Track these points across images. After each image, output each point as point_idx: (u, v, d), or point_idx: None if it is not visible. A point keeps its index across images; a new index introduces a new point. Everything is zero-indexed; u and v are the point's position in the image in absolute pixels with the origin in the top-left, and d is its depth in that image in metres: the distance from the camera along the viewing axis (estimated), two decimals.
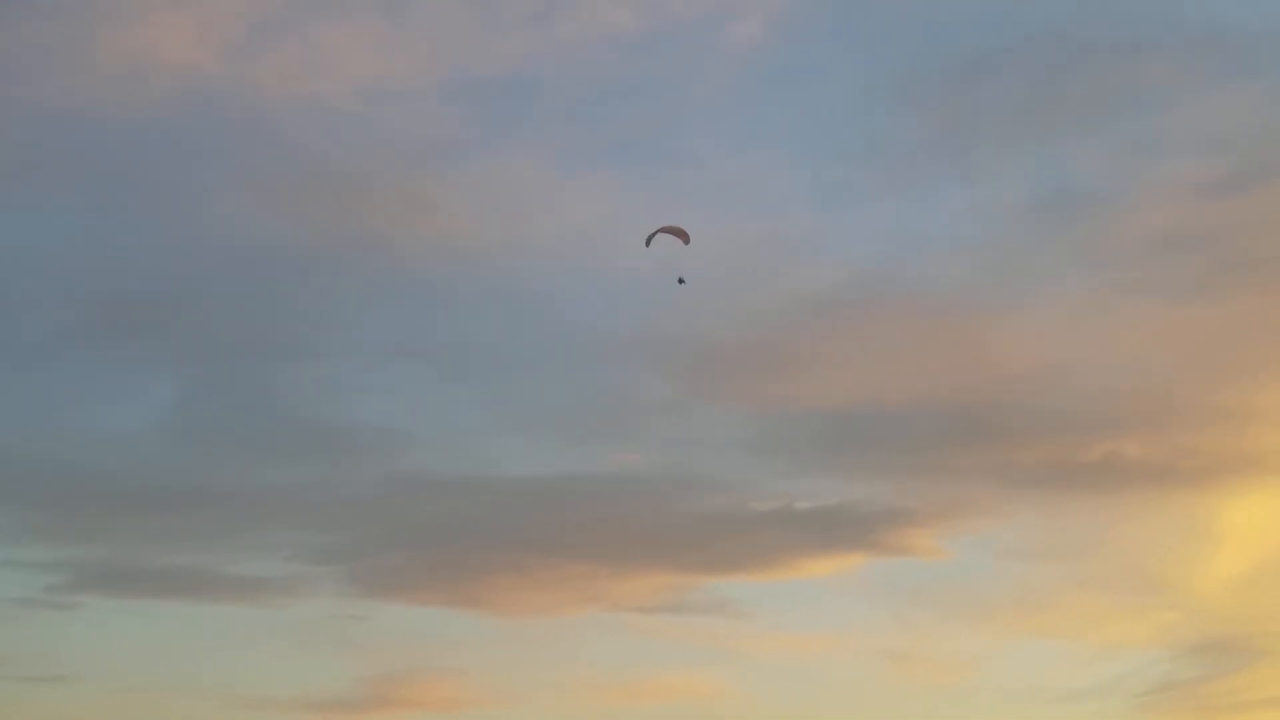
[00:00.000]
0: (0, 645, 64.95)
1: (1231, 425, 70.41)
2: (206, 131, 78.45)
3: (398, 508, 71.17)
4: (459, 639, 69.02)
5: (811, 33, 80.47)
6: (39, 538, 68.36)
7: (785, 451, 72.86)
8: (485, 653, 68.29)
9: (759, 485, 72.24)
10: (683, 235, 51.41)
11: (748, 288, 75.72)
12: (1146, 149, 75.16)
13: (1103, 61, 75.71)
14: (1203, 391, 71.55)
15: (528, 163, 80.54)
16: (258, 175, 78.24)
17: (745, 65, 79.68)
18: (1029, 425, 71.39)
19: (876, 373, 73.96)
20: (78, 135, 77.37)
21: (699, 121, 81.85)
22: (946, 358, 73.94)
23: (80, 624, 67.19)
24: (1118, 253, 73.84)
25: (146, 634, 67.90)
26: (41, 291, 75.85)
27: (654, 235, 51.52)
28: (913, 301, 74.82)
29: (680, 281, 54.01)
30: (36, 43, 75.51)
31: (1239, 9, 75.54)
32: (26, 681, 63.81)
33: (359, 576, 69.66)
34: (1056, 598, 69.46)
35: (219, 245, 77.44)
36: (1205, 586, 68.63)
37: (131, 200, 78.18)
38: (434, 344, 77.36)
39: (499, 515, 71.10)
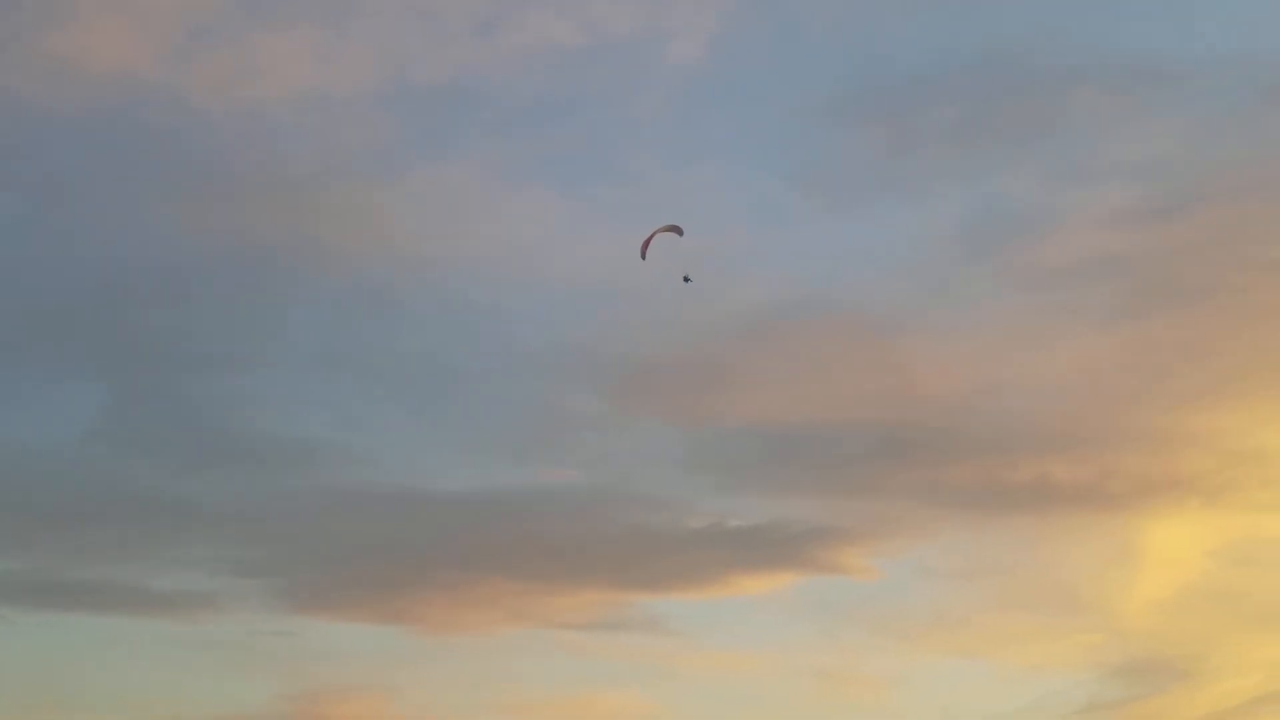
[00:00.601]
0: None
1: (1157, 448, 71.67)
2: (138, 136, 77.77)
3: (326, 522, 70.57)
4: (387, 656, 68.27)
5: (750, 52, 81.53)
6: None
7: (719, 469, 73.08)
8: (414, 670, 67.57)
9: (692, 503, 72.35)
10: (674, 230, 51.25)
11: (683, 304, 75.62)
12: (1076, 175, 76.89)
13: (1035, 88, 77.06)
14: (1129, 414, 72.65)
15: (466, 174, 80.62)
16: (191, 182, 77.55)
17: (684, 82, 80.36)
18: (959, 445, 72.22)
19: (810, 391, 74.45)
20: (3, 137, 76.36)
21: (638, 137, 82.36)
22: (879, 377, 74.52)
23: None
24: (1047, 276, 74.89)
25: (67, 648, 66.67)
26: None
27: (647, 244, 51.38)
28: (846, 321, 75.49)
29: (686, 280, 53.60)
30: None
31: (1168, 40, 77.57)
32: None
33: (286, 591, 69.04)
34: (984, 618, 69.98)
35: (150, 252, 76.68)
36: (1130, 608, 69.43)
37: (60, 205, 77.20)
38: (368, 355, 77.15)
39: (430, 530, 70.79)
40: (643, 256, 52.06)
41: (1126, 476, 70.98)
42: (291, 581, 69.35)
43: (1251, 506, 69.89)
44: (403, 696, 65.98)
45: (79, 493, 69.50)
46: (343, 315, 77.83)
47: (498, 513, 70.89)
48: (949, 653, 69.61)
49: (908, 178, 78.10)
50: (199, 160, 77.43)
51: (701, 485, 72.45)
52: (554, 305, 78.24)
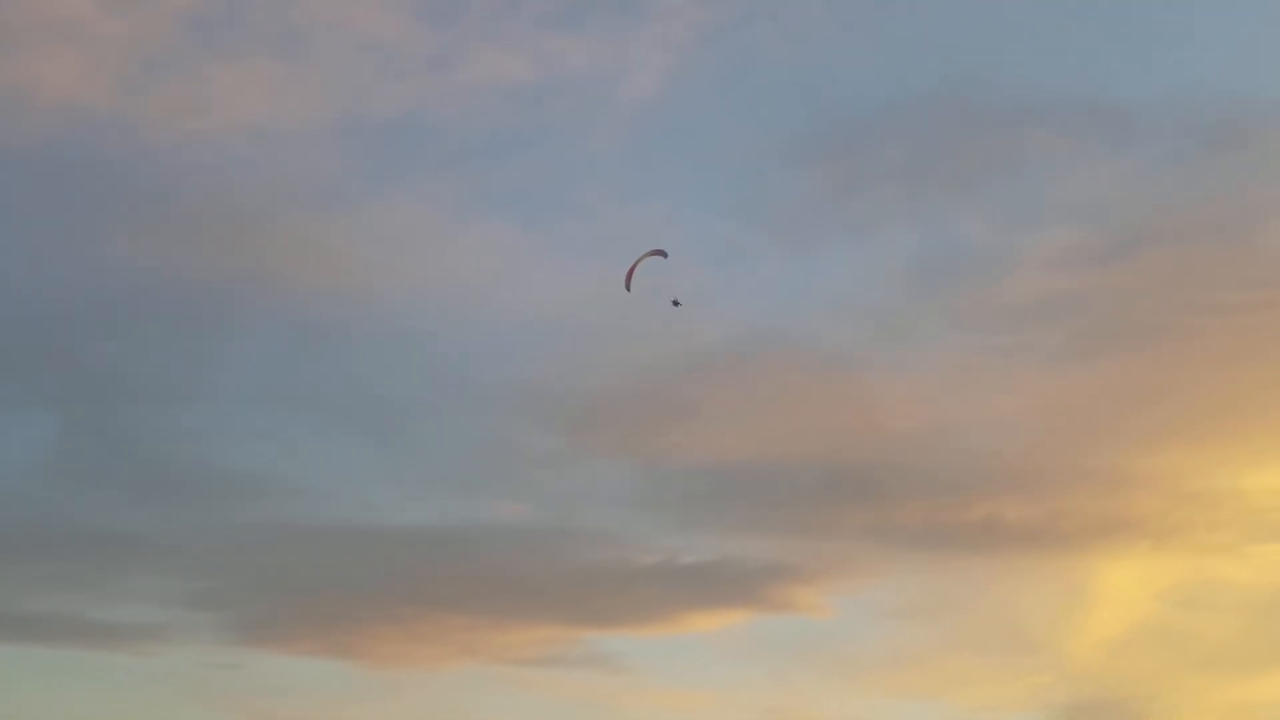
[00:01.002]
0: None
1: (1107, 489, 71.82)
2: (91, 166, 77.65)
3: (275, 555, 70.27)
4: (334, 690, 67.85)
5: (704, 90, 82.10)
6: None
7: (670, 506, 72.94)
8: (361, 704, 67.08)
9: (643, 539, 72.26)
10: (658, 254, 51.25)
11: (636, 340, 75.95)
12: (1026, 216, 77.34)
13: (986, 129, 77.81)
14: (1078, 455, 72.96)
15: (419, 208, 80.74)
16: (142, 214, 77.54)
17: (638, 120, 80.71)
18: (911, 485, 72.32)
19: (762, 429, 74.47)
20: None
21: (592, 172, 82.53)
22: (831, 416, 74.78)
23: None
24: (997, 316, 75.22)
25: (14, 679, 65.98)
26: None
27: (631, 273, 51.37)
28: (797, 359, 75.70)
29: (675, 304, 53.59)
30: None
31: (1118, 83, 78.18)
32: None
33: (235, 624, 68.56)
34: (936, 658, 69.95)
35: (99, 284, 76.40)
36: (1081, 649, 69.46)
37: (9, 236, 77.04)
38: (319, 389, 76.88)
39: (378, 564, 70.44)
40: (627, 287, 51.90)
41: (1077, 517, 71.35)
42: (241, 615, 69.10)
43: (1200, 548, 70.40)
44: None
45: (27, 525, 69.02)
46: (294, 348, 77.82)
47: (448, 547, 70.90)
48: (900, 693, 69.45)
49: (860, 217, 78.78)
50: (150, 192, 77.66)
51: (653, 522, 72.54)
52: (506, 340, 78.35)
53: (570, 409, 74.63)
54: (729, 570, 70.98)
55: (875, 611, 71.54)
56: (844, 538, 71.97)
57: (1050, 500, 71.93)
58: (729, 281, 79.86)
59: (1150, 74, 78.34)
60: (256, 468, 72.76)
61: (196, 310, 76.80)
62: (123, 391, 74.65)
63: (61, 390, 74.65)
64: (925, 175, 78.03)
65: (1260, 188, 73.43)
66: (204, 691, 66.03)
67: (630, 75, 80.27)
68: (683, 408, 75.32)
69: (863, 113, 78.02)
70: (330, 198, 79.16)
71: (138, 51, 75.96)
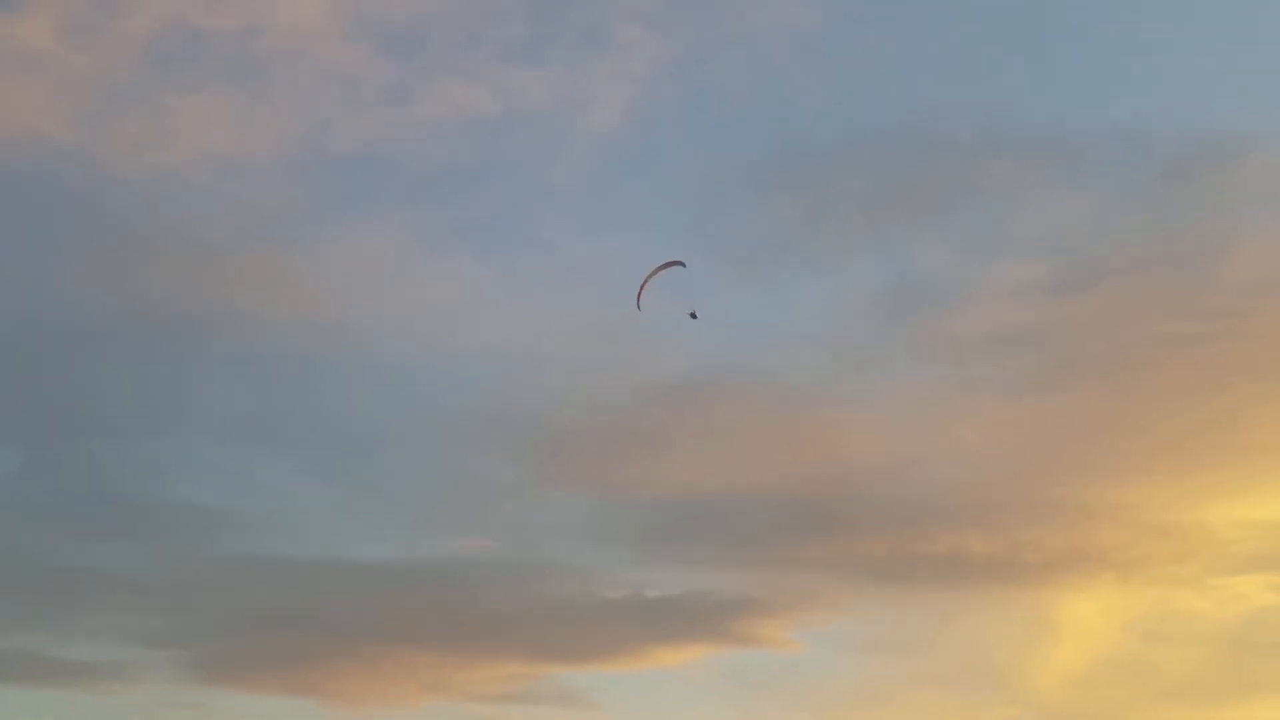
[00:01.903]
0: None
1: (1071, 522, 72.00)
2: (51, 200, 77.19)
3: (236, 591, 69.83)
4: None
5: (665, 123, 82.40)
6: None
7: (635, 539, 72.82)
8: None
9: (609, 573, 72.09)
10: (673, 265, 51.07)
11: (599, 373, 76.03)
12: (987, 247, 77.71)
13: (947, 161, 78.21)
14: (1043, 487, 73.14)
15: (381, 240, 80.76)
16: (104, 246, 77.17)
17: (599, 153, 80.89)
18: (876, 517, 72.38)
19: (726, 462, 74.36)
20: None
21: (553, 205, 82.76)
22: (795, 448, 74.76)
23: None
24: (958, 348, 75.53)
25: None
26: None
27: (641, 291, 51.23)
28: (761, 391, 75.83)
29: (693, 316, 53.97)
30: None
31: (1079, 116, 78.79)
32: None
33: (194, 662, 67.99)
34: (900, 691, 69.79)
35: (61, 316, 75.82)
36: (1045, 681, 69.48)
37: None
38: (281, 421, 76.59)
39: (343, 601, 70.09)
40: (638, 306, 51.85)
41: (1041, 549, 71.50)
42: (201, 652, 68.53)
43: (1165, 581, 70.81)
44: None
45: None
46: (256, 380, 77.39)
47: (412, 582, 70.66)
48: None
49: (821, 249, 79.06)
50: (112, 224, 77.32)
51: (618, 556, 72.39)
52: (469, 372, 78.03)
53: (534, 441, 74.67)
54: (694, 604, 71.04)
55: (840, 645, 71.69)
56: (809, 571, 72.15)
57: (1014, 533, 72.23)
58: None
59: (1108, 107, 79.18)
60: (217, 502, 72.61)
61: (158, 343, 76.66)
62: (84, 425, 74.46)
63: (22, 423, 74.28)
64: (886, 207, 78.53)
65: (1217, 220, 74.20)
66: None
67: (591, 108, 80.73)
68: (647, 440, 75.49)
69: (824, 145, 78.58)
70: (292, 229, 79.18)
71: (100, 83, 76.02)
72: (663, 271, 52.03)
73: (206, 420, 75.57)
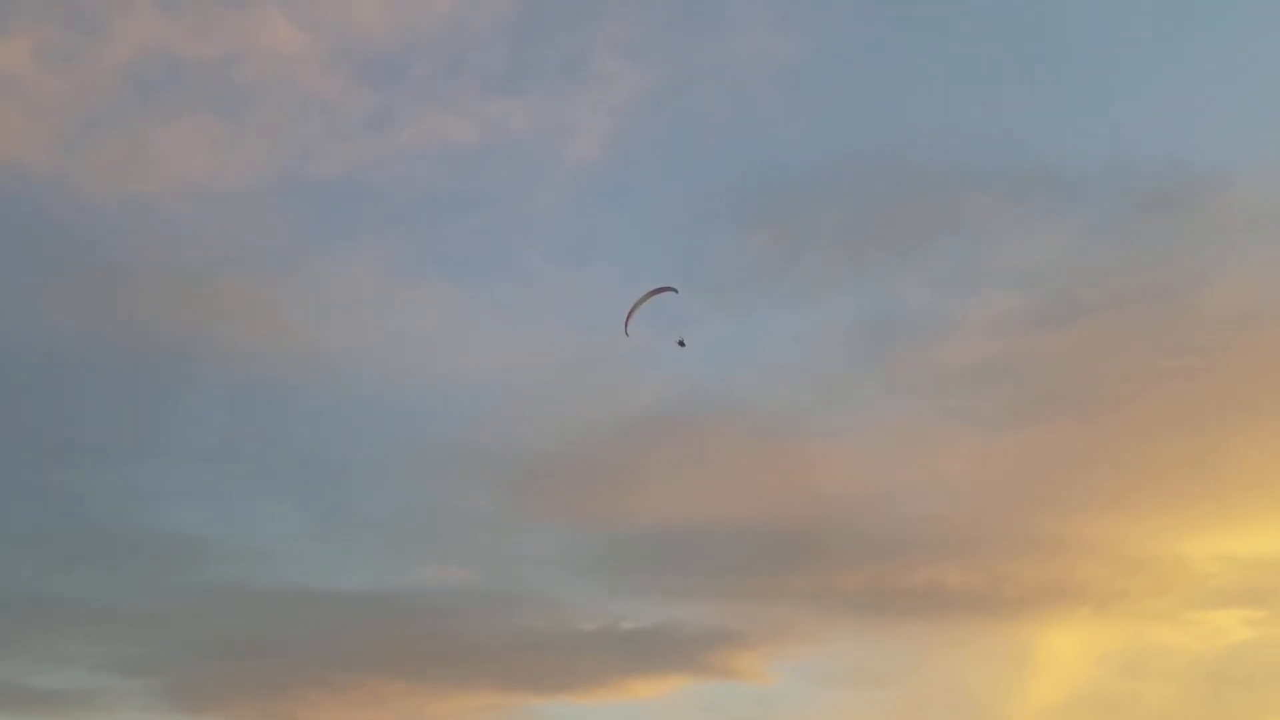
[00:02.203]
0: None
1: (1049, 555, 71.91)
2: (28, 226, 76.86)
3: (209, 619, 69.53)
4: None
5: (645, 154, 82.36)
6: None
7: (611, 571, 72.68)
8: None
9: (584, 604, 71.98)
10: (664, 290, 50.78)
11: (577, 403, 75.92)
12: (965, 280, 77.67)
13: (926, 193, 78.29)
14: (1021, 520, 72.96)
15: (361, 268, 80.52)
16: (82, 272, 76.96)
17: (579, 183, 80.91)
18: (853, 549, 72.28)
19: (704, 493, 74.31)
20: None
21: (533, 235, 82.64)
22: (772, 480, 74.62)
23: None
24: (937, 380, 75.48)
25: None
26: None
27: (630, 316, 50.91)
28: (739, 422, 75.75)
29: (680, 344, 53.98)
30: None
31: (1058, 149, 78.90)
32: None
33: (169, 691, 67.60)
34: None
35: (37, 342, 75.40)
36: (1022, 715, 69.15)
37: None
38: (258, 450, 76.29)
39: (318, 629, 69.82)
40: (626, 331, 51.66)
41: (1019, 583, 71.42)
42: (175, 681, 68.20)
43: (1142, 615, 70.67)
44: None
45: None
46: (233, 408, 77.16)
47: (388, 612, 70.39)
48: None
49: (801, 280, 78.98)
50: (90, 250, 77.02)
51: (594, 587, 72.31)
52: (447, 402, 77.88)
53: (510, 471, 74.64)
54: (670, 636, 70.79)
55: (817, 678, 71.32)
56: (785, 603, 72.03)
57: (992, 566, 72.16)
58: (670, 345, 79.74)
59: (1088, 140, 79.34)
60: (192, 530, 72.29)
61: (135, 370, 76.38)
62: (59, 451, 73.82)
63: None
64: (866, 239, 78.60)
65: (1197, 253, 74.31)
66: None
67: (572, 138, 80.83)
68: (624, 471, 75.34)
69: (803, 176, 78.56)
70: (271, 258, 79.05)
71: (78, 110, 75.97)
72: (654, 297, 51.66)
73: (182, 448, 75.42)
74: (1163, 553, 71.00)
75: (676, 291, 51.65)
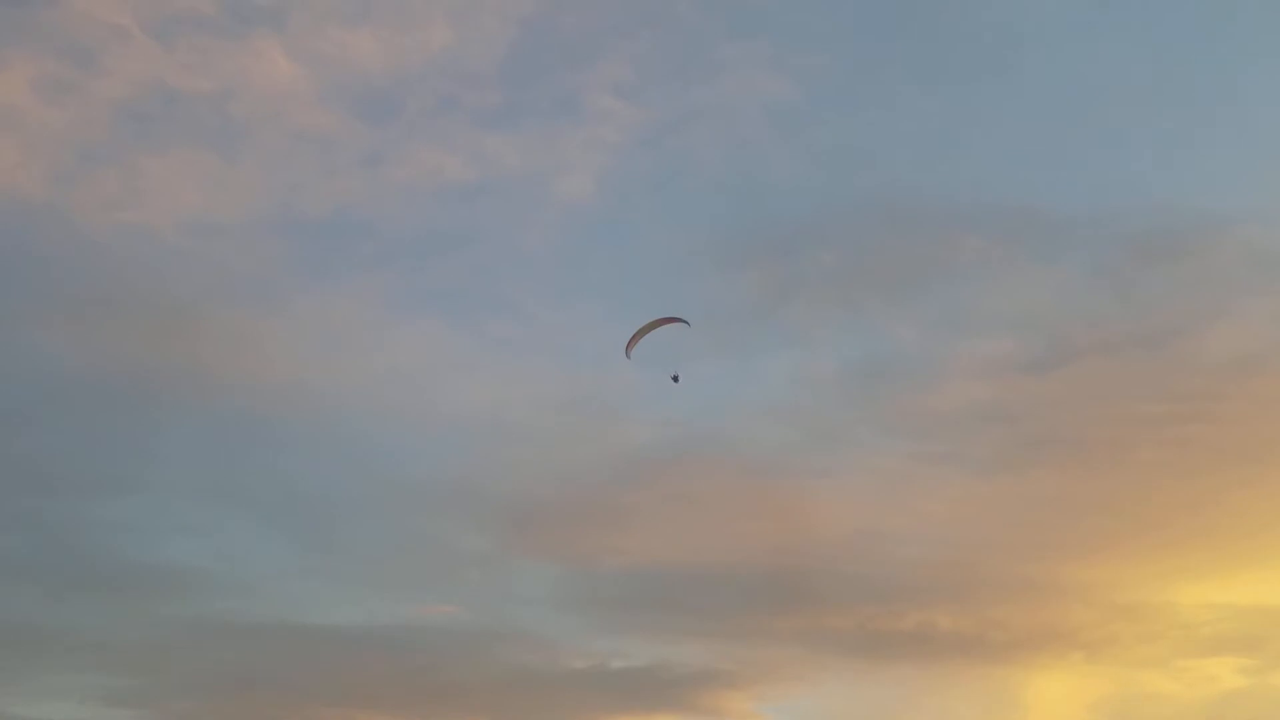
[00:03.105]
0: None
1: (1039, 600, 71.75)
2: (23, 256, 76.98)
3: (200, 652, 69.11)
4: None
5: (638, 192, 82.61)
6: None
7: (601, 609, 72.57)
8: None
9: (574, 642, 71.74)
10: (673, 321, 50.51)
11: (568, 442, 75.83)
12: (958, 323, 77.78)
13: (919, 236, 78.49)
14: (1010, 564, 72.81)
15: (351, 304, 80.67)
16: (75, 302, 77.00)
17: (572, 220, 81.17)
18: (843, 591, 72.14)
19: (693, 533, 74.12)
20: None
21: (524, 273, 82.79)
22: (762, 521, 74.44)
23: None
24: (928, 424, 75.42)
25: None
26: None
27: (634, 342, 50.62)
28: (729, 463, 75.67)
29: (675, 379, 53.86)
30: None
31: (1050, 193, 79.28)
32: None
33: None
34: None
35: (29, 372, 75.48)
36: None
37: None
38: (247, 484, 76.13)
39: (306, 664, 69.51)
40: (627, 355, 51.38)
41: (1009, 627, 71.20)
42: (162, 713, 67.58)
43: (1132, 661, 70.31)
44: None
45: None
46: (222, 442, 76.99)
47: (376, 648, 70.14)
48: None
49: (792, 321, 79.18)
50: (81, 282, 77.06)
51: (584, 625, 72.21)
52: (438, 439, 77.80)
53: (501, 509, 74.58)
54: (660, 675, 70.40)
55: (806, 719, 71.13)
56: (775, 644, 71.74)
57: (982, 610, 71.93)
58: (661, 385, 79.65)
59: (1082, 183, 79.73)
60: (182, 563, 72.18)
61: (124, 402, 76.34)
62: (48, 483, 73.73)
63: None
64: (858, 281, 78.69)
65: (1191, 299, 74.35)
66: None
67: (565, 176, 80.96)
68: (614, 510, 75.26)
69: (796, 217, 78.84)
70: (263, 293, 79.16)
71: (73, 141, 76.17)
72: (664, 325, 51.33)
73: (173, 481, 75.22)
74: (1154, 599, 71.09)
75: (689, 325, 51.22)
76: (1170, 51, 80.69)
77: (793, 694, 71.01)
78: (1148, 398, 72.92)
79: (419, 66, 79.70)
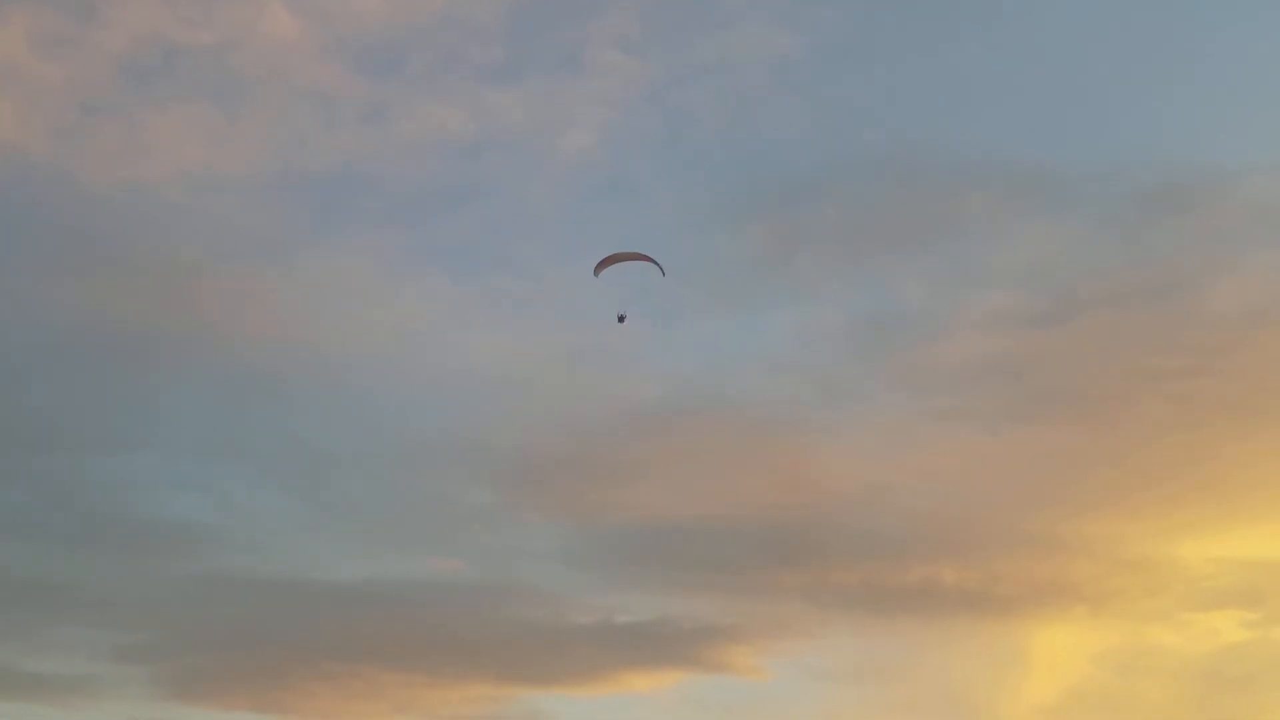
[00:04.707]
0: None
1: (1044, 554, 71.82)
2: (25, 213, 76.58)
3: (207, 608, 69.51)
4: None
5: (643, 147, 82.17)
6: None
7: (606, 564, 72.65)
8: None
9: (579, 597, 71.84)
10: (646, 260, 50.40)
11: (572, 398, 75.83)
12: (964, 278, 77.46)
13: (925, 190, 77.98)
14: (1016, 519, 72.89)
15: (356, 260, 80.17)
16: (78, 259, 76.73)
17: (576, 175, 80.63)
18: (848, 546, 72.18)
19: (699, 488, 74.12)
20: None
21: (528, 228, 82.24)
22: (768, 476, 74.47)
23: None
24: (934, 378, 75.15)
25: None
26: None
27: (605, 264, 50.41)
28: (735, 418, 75.52)
29: (620, 319, 53.33)
30: None
31: (1058, 147, 78.73)
32: None
33: (164, 678, 67.66)
34: None
35: (34, 329, 75.47)
36: (1016, 714, 69.11)
37: None
38: (253, 440, 76.35)
39: (312, 619, 69.86)
40: (595, 274, 51.29)
41: (1014, 581, 71.35)
42: (171, 668, 68.25)
43: (1137, 615, 70.60)
44: None
45: None
46: (228, 399, 77.07)
47: (383, 603, 70.34)
48: None
49: (798, 276, 78.92)
50: (85, 238, 76.76)
51: (589, 580, 72.28)
52: (443, 395, 77.76)
53: (507, 465, 74.54)
54: (665, 630, 70.75)
55: (811, 673, 71.25)
56: (781, 599, 71.94)
57: (988, 564, 72.03)
58: (666, 339, 79.37)
59: (1090, 138, 78.95)
60: (189, 519, 72.43)
61: (129, 359, 76.25)
62: (54, 440, 73.93)
63: None
64: (864, 236, 78.36)
65: (1199, 252, 74.05)
66: None
67: (569, 131, 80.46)
68: (620, 466, 75.26)
69: (802, 172, 78.34)
70: (267, 248, 78.75)
71: (74, 97, 75.68)
72: (638, 261, 51.10)
73: (178, 437, 75.47)
74: (1159, 553, 71.18)
75: (664, 274, 51.07)
76: (1178, 5, 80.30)
77: (798, 648, 71.47)
78: (1154, 351, 72.91)
79: (421, 20, 79.21)
